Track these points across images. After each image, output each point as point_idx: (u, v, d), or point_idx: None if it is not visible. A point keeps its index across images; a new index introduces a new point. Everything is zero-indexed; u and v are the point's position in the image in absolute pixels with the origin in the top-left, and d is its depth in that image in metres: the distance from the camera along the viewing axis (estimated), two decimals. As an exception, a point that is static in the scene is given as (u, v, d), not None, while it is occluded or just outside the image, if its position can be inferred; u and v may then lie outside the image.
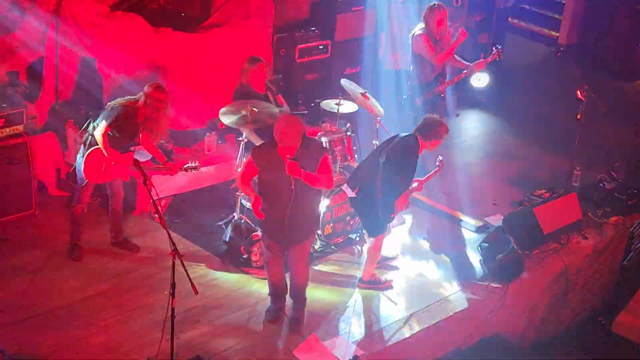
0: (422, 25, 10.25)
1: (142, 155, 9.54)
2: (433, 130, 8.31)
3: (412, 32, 10.34)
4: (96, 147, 8.26)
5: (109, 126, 8.19)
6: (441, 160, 8.75)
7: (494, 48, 10.58)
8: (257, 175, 7.57)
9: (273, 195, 7.50)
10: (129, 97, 8.41)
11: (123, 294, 8.27)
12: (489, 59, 10.44)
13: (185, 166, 8.55)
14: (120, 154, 8.30)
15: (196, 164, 8.63)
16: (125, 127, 8.26)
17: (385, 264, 9.11)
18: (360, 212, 8.69)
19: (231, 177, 9.77)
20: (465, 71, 10.40)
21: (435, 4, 10.24)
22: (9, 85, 9.39)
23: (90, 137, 8.34)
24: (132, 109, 8.25)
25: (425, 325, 8.38)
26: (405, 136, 8.41)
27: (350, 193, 8.46)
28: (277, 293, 8.02)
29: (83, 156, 8.30)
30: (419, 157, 8.40)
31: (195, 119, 10.70)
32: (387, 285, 8.81)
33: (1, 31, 9.31)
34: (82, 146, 8.42)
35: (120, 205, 8.82)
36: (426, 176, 8.70)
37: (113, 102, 8.39)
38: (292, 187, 7.38)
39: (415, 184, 8.50)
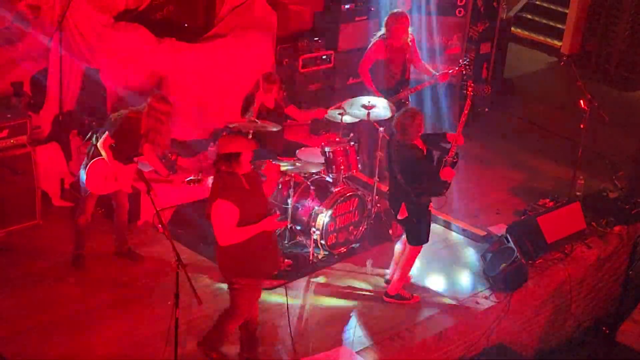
0: (383, 31, 10.30)
1: (146, 166, 9.59)
2: (411, 129, 8.12)
3: (375, 37, 10.40)
4: (99, 158, 8.28)
5: (112, 137, 8.21)
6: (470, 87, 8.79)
7: (460, 61, 10.64)
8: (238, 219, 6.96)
9: (250, 219, 7.00)
10: (132, 107, 8.42)
11: (127, 304, 8.28)
12: (454, 72, 10.48)
13: (187, 179, 8.33)
14: (123, 165, 8.32)
15: (199, 178, 8.52)
16: (128, 139, 8.27)
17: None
18: (406, 227, 8.64)
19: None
20: (429, 79, 10.46)
21: (397, 12, 10.29)
22: (14, 96, 9.42)
23: (93, 148, 8.36)
24: (135, 120, 8.26)
25: (429, 335, 8.37)
26: (398, 148, 8.27)
27: (401, 216, 8.45)
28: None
29: (86, 167, 8.32)
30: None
31: (199, 129, 10.72)
32: (415, 301, 8.76)
33: (6, 42, 9.34)
34: (85, 157, 8.43)
35: (125, 217, 8.83)
36: (459, 120, 8.64)
37: (116, 113, 8.40)
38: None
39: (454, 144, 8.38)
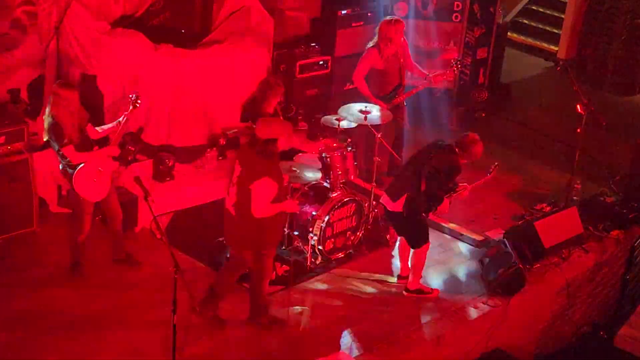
0: (375, 38, 10.32)
1: (142, 172, 9.60)
2: (468, 147, 8.50)
3: (369, 44, 10.42)
4: (78, 168, 8.24)
5: (63, 147, 8.15)
6: (496, 166, 8.97)
7: (452, 61, 10.67)
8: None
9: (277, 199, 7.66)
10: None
11: (125, 310, 8.27)
12: (447, 73, 10.53)
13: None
14: (88, 152, 8.26)
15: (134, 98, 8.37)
16: (62, 133, 8.17)
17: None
18: (401, 225, 8.81)
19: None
20: (423, 83, 10.51)
21: (392, 18, 10.30)
22: (11, 103, 9.42)
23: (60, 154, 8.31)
24: (52, 122, 8.14)
25: (427, 340, 8.37)
26: (445, 147, 8.57)
27: (390, 205, 8.58)
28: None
29: (72, 180, 8.28)
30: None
31: (196, 135, 10.72)
32: (435, 294, 8.96)
33: (3, 49, 9.34)
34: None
35: (119, 226, 8.80)
36: (476, 182, 8.90)
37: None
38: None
39: (462, 189, 8.77)
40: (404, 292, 8.93)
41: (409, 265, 8.97)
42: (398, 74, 10.44)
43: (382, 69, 10.33)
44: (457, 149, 8.52)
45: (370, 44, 10.37)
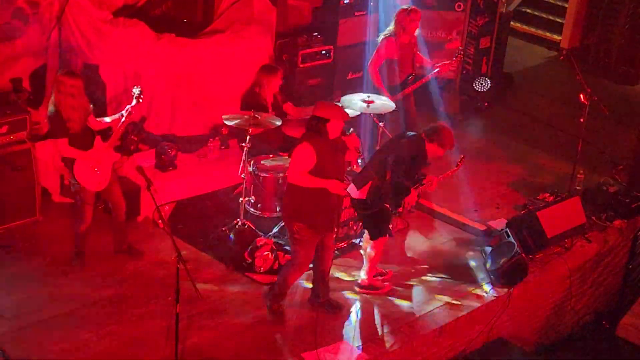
0: (391, 27, 10.31)
1: (145, 162, 9.60)
2: (437, 134, 8.37)
3: (383, 34, 10.43)
4: (75, 160, 8.25)
5: (58, 138, 8.16)
6: (462, 158, 8.79)
7: (456, 49, 10.73)
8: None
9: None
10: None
11: (127, 299, 8.28)
12: (452, 63, 10.61)
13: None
14: (85, 151, 8.26)
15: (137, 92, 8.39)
16: (65, 128, 8.16)
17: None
18: (364, 215, 8.68)
19: (234, 182, 9.79)
20: (431, 73, 10.53)
21: (409, 7, 10.30)
22: (13, 92, 9.41)
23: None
24: (54, 111, 8.15)
25: (429, 330, 8.38)
26: (412, 136, 8.50)
27: (355, 193, 8.45)
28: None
29: (72, 171, 8.29)
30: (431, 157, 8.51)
31: (198, 125, 10.72)
32: (386, 291, 8.79)
33: (5, 38, 9.33)
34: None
35: (123, 217, 8.80)
36: (443, 174, 8.75)
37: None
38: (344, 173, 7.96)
39: (429, 182, 8.61)
40: (355, 287, 8.77)
41: (364, 259, 8.80)
42: (411, 63, 10.49)
43: (397, 58, 10.36)
44: (425, 138, 8.41)
45: (387, 33, 10.38)
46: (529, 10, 16.90)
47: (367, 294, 8.72)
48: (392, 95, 10.22)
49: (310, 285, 8.54)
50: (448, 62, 10.50)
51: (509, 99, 13.88)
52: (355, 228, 9.41)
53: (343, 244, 9.36)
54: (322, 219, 7.82)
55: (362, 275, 8.78)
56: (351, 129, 9.63)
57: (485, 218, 10.30)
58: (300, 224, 7.77)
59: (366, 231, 8.71)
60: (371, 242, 8.62)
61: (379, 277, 8.92)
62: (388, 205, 8.53)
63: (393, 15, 10.40)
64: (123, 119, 8.32)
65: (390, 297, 8.72)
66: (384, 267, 9.06)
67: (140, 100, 8.34)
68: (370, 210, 8.43)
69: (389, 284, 8.88)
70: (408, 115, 10.62)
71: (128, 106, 8.34)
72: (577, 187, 10.77)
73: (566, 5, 16.03)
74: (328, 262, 8.17)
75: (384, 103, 9.61)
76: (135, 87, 8.38)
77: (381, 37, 10.43)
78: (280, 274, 8.14)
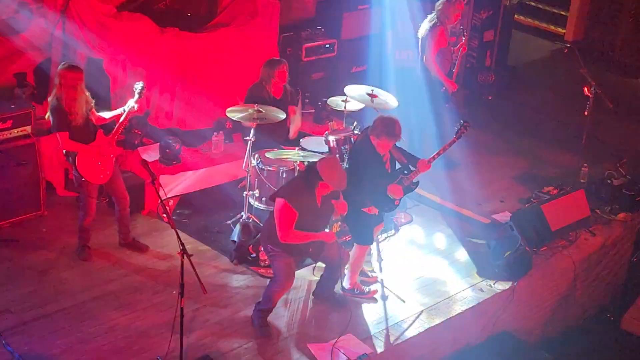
0: (434, 17, 10.45)
1: (150, 156, 9.60)
2: (381, 127, 8.03)
3: (427, 25, 10.52)
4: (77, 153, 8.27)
5: (59, 131, 8.18)
6: (465, 126, 8.42)
7: (459, 29, 10.91)
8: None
9: (310, 228, 7.69)
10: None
11: (132, 293, 8.29)
12: (464, 42, 10.75)
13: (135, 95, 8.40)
14: (86, 145, 8.27)
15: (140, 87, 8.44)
16: (66, 122, 8.19)
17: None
18: (348, 219, 8.51)
19: (239, 176, 9.79)
20: (460, 53, 10.78)
21: None
22: (17, 87, 9.42)
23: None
24: (56, 103, 8.18)
25: (434, 323, 8.38)
26: (358, 137, 8.45)
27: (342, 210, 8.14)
28: None
29: (75, 164, 8.29)
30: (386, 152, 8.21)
31: (202, 119, 10.72)
32: (370, 296, 8.61)
33: (9, 32, 9.33)
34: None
35: (127, 210, 8.83)
36: (436, 151, 8.38)
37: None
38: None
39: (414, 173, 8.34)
40: (340, 290, 8.55)
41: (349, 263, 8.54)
42: (451, 51, 10.70)
43: (445, 47, 10.58)
44: (371, 134, 8.11)
45: (433, 25, 10.49)
46: (532, 3, 16.87)
47: (351, 296, 8.54)
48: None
49: (316, 278, 8.55)
50: (461, 43, 10.69)
51: (512, 92, 13.85)
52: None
53: (348, 237, 9.34)
54: (297, 248, 7.79)
55: (344, 280, 8.54)
56: (355, 122, 9.62)
57: (490, 211, 10.30)
58: (273, 247, 7.76)
59: None
60: (355, 246, 8.54)
61: (366, 280, 8.83)
62: (377, 211, 8.34)
63: (437, 5, 10.54)
64: (125, 114, 8.34)
65: (393, 291, 8.71)
66: (387, 263, 9.05)
67: (142, 96, 8.36)
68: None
69: (375, 290, 8.69)
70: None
71: (130, 101, 8.37)
72: (582, 180, 10.77)
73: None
74: (334, 257, 8.08)
75: (387, 97, 9.59)
76: (137, 82, 8.40)
77: (427, 27, 10.53)
78: (265, 291, 7.96)
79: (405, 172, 8.32)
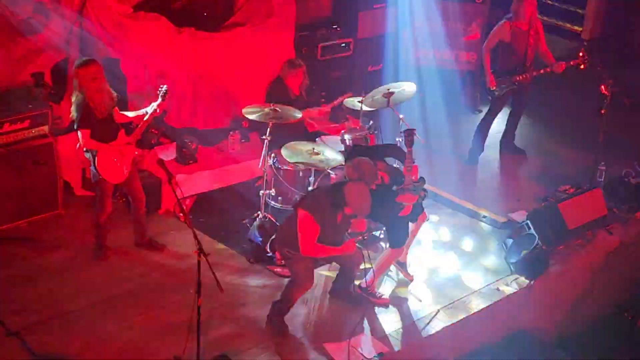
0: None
1: (166, 155, 9.64)
2: (367, 175, 7.96)
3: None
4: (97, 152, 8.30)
5: (81, 129, 8.19)
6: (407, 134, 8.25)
7: (580, 53, 10.99)
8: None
9: (328, 242, 7.76)
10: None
11: (149, 293, 8.33)
12: (571, 62, 10.97)
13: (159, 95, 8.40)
14: (107, 144, 8.30)
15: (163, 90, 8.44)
16: (89, 119, 8.20)
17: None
18: (383, 225, 8.71)
19: (255, 175, 9.81)
20: (548, 67, 10.95)
21: None
22: (35, 86, 9.46)
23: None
24: (82, 99, 8.18)
25: (451, 322, 8.38)
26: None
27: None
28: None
29: (94, 163, 8.31)
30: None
31: (219, 118, 10.74)
32: (381, 302, 8.50)
33: (27, 32, 9.37)
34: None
35: (143, 210, 8.86)
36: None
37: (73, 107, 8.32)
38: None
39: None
40: (357, 288, 8.50)
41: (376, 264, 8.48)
42: (524, 52, 10.78)
43: (509, 42, 10.70)
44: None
45: (503, 19, 10.80)
46: (549, 1, 16.77)
47: (363, 297, 8.48)
48: (496, 79, 10.65)
49: (333, 275, 8.56)
50: (565, 63, 10.91)
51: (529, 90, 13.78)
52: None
53: (364, 237, 9.33)
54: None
55: (365, 278, 8.49)
56: (370, 122, 9.62)
57: (506, 210, 10.28)
58: (290, 250, 7.78)
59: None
60: (388, 249, 8.54)
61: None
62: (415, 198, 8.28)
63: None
64: (147, 116, 8.37)
65: (409, 291, 8.71)
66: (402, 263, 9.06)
67: (165, 98, 8.39)
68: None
69: (386, 299, 8.57)
70: (518, 104, 11.28)
71: (153, 103, 8.38)
72: (599, 179, 10.72)
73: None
74: (351, 257, 8.05)
75: (402, 87, 9.59)
76: (161, 85, 8.43)
77: (500, 21, 10.83)
78: (284, 291, 7.98)
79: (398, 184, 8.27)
